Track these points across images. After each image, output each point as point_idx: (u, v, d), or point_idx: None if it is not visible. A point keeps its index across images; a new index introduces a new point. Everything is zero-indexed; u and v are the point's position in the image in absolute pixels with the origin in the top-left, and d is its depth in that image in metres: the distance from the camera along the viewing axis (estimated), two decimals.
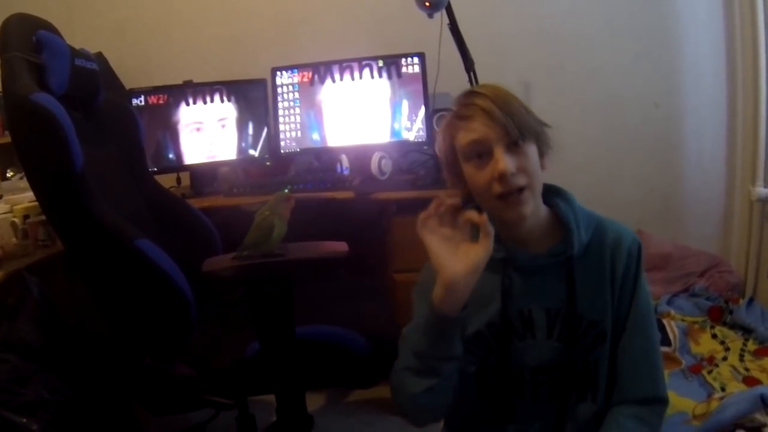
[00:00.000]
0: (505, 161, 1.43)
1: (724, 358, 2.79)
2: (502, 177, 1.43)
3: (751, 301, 3.21)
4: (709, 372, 2.70)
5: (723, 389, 2.56)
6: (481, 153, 1.46)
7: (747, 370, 2.69)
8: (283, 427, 2.16)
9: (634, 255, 1.57)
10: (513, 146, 1.45)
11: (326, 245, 1.94)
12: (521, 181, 1.45)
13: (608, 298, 1.55)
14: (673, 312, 3.13)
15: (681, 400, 2.51)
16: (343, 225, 2.61)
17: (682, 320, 3.06)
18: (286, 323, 1.90)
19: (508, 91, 1.50)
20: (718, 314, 3.11)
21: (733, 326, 3.05)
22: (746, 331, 2.98)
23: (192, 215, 2.57)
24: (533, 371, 1.57)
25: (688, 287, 3.38)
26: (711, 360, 2.79)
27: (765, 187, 3.33)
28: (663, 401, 1.58)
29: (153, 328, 2.03)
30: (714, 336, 2.97)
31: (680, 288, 3.38)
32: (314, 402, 3.04)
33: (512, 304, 1.57)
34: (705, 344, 2.92)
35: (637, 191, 3.63)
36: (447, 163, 1.59)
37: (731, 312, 3.11)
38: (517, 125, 1.44)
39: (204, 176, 3.31)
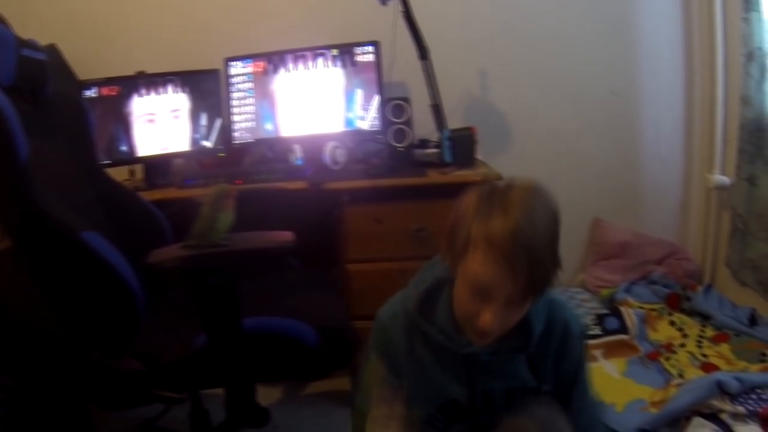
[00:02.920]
0: (491, 322, 1.40)
1: (682, 345, 2.81)
2: (480, 331, 1.42)
3: (708, 288, 3.23)
4: (667, 359, 2.72)
5: (681, 376, 2.57)
6: (479, 291, 1.40)
7: (705, 356, 2.71)
8: (235, 421, 2.14)
9: (580, 340, 1.67)
10: (513, 300, 1.40)
11: (271, 235, 1.92)
12: (496, 333, 1.45)
13: (552, 370, 1.65)
14: (630, 300, 3.13)
15: (639, 387, 2.54)
16: (296, 216, 2.58)
17: (640, 307, 3.07)
18: (231, 314, 1.88)
19: (549, 218, 1.39)
20: (676, 301, 3.13)
21: (691, 313, 3.06)
22: (704, 318, 3.00)
23: (143, 208, 2.52)
24: None
25: (646, 275, 3.39)
26: (669, 347, 2.80)
27: (722, 174, 3.34)
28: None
29: (100, 322, 1.99)
30: (672, 323, 2.98)
31: (638, 276, 3.39)
32: (270, 396, 3.00)
33: (476, 387, 1.63)
34: (663, 331, 2.94)
35: (595, 179, 3.63)
36: (449, 241, 1.47)
37: (689, 299, 3.12)
38: (532, 284, 1.37)
39: (157, 168, 3.24)
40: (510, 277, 1.33)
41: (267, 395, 2.79)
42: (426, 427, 1.68)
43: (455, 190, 2.61)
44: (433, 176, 2.83)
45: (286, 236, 1.91)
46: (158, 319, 2.21)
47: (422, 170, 2.93)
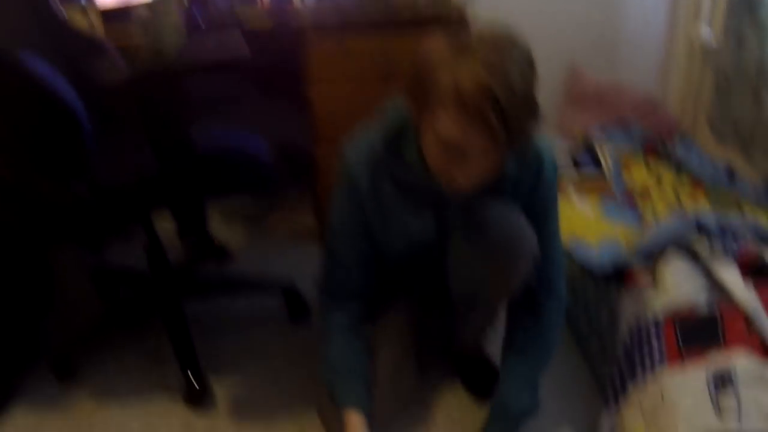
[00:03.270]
0: (467, 180, 1.39)
1: (658, 191, 2.77)
2: (455, 186, 1.41)
3: (687, 142, 3.17)
4: (643, 202, 2.69)
5: (656, 219, 2.54)
6: (453, 149, 1.33)
7: (681, 204, 2.67)
8: (190, 251, 2.08)
9: (552, 183, 1.66)
10: (490, 155, 1.35)
11: (226, 47, 1.82)
12: (471, 187, 1.43)
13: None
14: (606, 143, 3.09)
15: (614, 226, 2.53)
16: (263, 57, 2.50)
17: (616, 151, 3.05)
18: (181, 132, 1.78)
19: (523, 68, 1.28)
20: (653, 149, 3.08)
21: (668, 162, 3.01)
22: (680, 168, 2.94)
23: (94, 42, 2.40)
24: None
25: (623, 126, 3.31)
26: (645, 191, 2.77)
27: (709, 33, 3.22)
28: None
29: (46, 149, 1.88)
30: (648, 168, 2.95)
31: (615, 126, 3.32)
32: (232, 236, 2.98)
33: (445, 228, 1.63)
34: (638, 176, 2.91)
35: (574, 28, 3.47)
36: (415, 93, 1.39)
37: (666, 149, 3.07)
38: (509, 139, 1.28)
39: (117, 18, 3.08)
40: (485, 134, 1.26)
41: (227, 235, 2.83)
42: (391, 272, 1.71)
43: (425, 23, 2.51)
44: (403, 12, 2.70)
45: (242, 49, 1.81)
46: (107, 147, 2.11)
47: (390, 5, 2.76)
